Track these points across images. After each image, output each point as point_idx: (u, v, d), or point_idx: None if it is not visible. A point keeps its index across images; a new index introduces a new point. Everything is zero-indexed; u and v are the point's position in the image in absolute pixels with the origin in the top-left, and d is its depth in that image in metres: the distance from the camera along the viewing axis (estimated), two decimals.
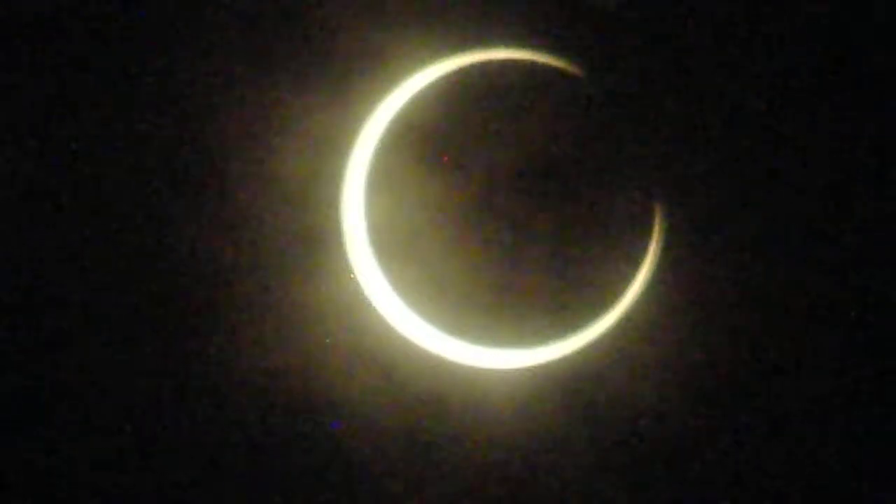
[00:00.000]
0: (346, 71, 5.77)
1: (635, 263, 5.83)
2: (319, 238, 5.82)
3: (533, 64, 5.79)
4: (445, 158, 5.75)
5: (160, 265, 5.75)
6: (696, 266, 5.82)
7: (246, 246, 5.76)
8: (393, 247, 5.82)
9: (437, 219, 5.78)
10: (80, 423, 5.74)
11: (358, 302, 5.85)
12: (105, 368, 5.75)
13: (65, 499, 5.74)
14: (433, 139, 5.79)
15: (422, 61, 5.77)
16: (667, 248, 5.82)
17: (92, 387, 5.74)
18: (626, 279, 5.85)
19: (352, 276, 5.80)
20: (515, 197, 5.78)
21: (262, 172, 5.76)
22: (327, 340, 5.74)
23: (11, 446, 5.71)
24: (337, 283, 5.83)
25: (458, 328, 5.84)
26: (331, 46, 5.77)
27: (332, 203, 5.81)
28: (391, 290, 5.83)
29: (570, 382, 5.83)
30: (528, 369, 5.84)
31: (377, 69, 5.76)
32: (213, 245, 5.77)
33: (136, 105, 5.77)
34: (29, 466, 5.73)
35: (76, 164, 5.77)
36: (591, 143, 5.80)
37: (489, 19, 5.78)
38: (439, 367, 5.85)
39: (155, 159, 5.77)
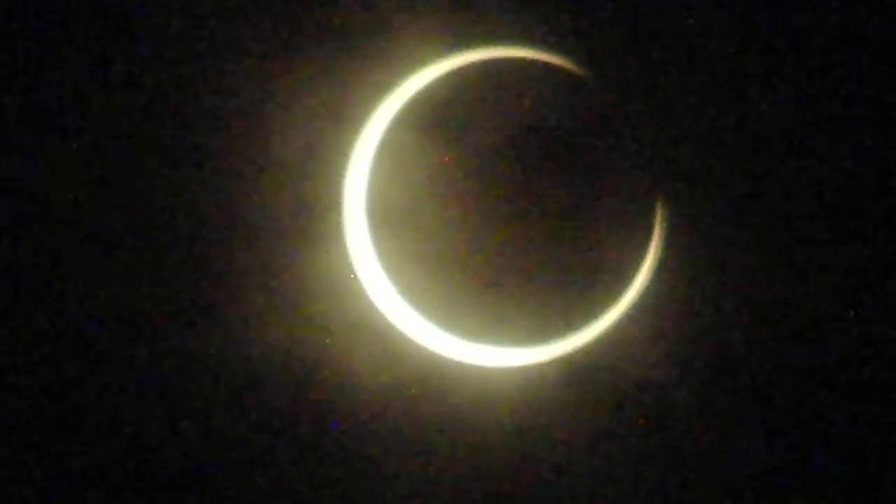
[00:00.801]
0: (350, 66, 5.75)
1: (637, 261, 5.83)
2: (322, 235, 5.81)
3: (537, 61, 5.77)
4: (446, 159, 5.74)
5: (159, 253, 5.76)
6: (699, 263, 5.82)
7: (247, 244, 5.76)
8: (395, 244, 5.82)
9: (438, 215, 5.77)
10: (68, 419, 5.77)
11: (359, 299, 5.84)
12: (96, 358, 5.78)
13: (58, 476, 5.77)
14: (436, 135, 5.78)
15: (423, 60, 5.76)
16: (668, 246, 5.81)
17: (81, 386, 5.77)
18: (628, 277, 5.84)
19: (352, 275, 5.80)
20: (517, 194, 5.78)
21: (264, 170, 5.76)
22: (327, 341, 5.75)
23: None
24: (338, 282, 5.82)
25: (458, 326, 5.84)
26: (336, 39, 5.76)
27: (335, 200, 5.80)
28: (392, 287, 5.83)
29: (571, 380, 5.83)
30: (529, 367, 5.84)
31: (379, 67, 5.75)
32: (214, 245, 5.77)
33: (136, 101, 5.78)
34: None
35: (78, 159, 5.78)
36: (593, 139, 5.79)
37: (494, 17, 5.76)
38: (440, 365, 5.85)
39: (151, 160, 5.79)
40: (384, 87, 5.76)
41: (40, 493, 5.74)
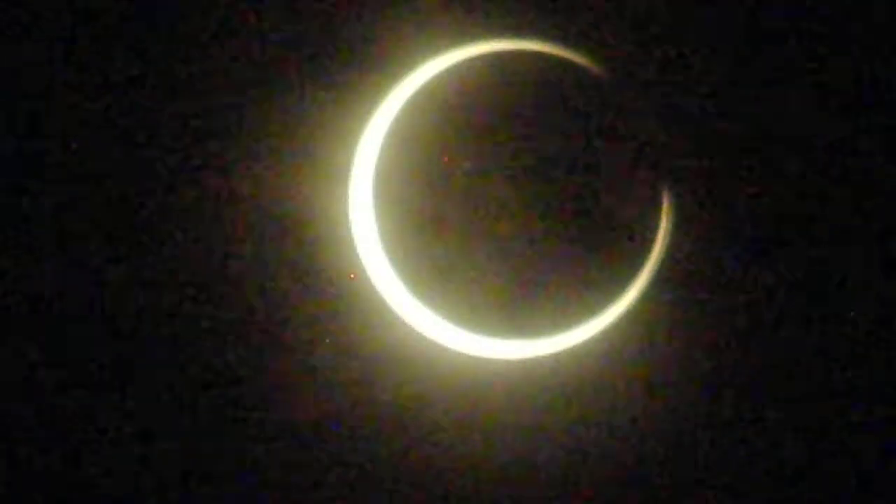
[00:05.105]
0: (350, 64, 5.73)
1: (642, 258, 5.82)
2: (327, 233, 5.81)
3: (539, 55, 5.74)
4: (446, 159, 5.72)
5: (162, 266, 5.77)
6: (702, 263, 5.80)
7: (252, 247, 5.76)
8: (401, 239, 5.81)
9: (443, 211, 5.77)
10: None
11: (366, 294, 5.85)
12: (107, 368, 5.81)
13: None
14: (439, 133, 5.76)
15: (426, 54, 5.73)
16: (673, 244, 5.80)
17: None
18: (632, 273, 5.83)
19: (352, 276, 5.80)
20: (523, 188, 5.76)
21: (267, 172, 5.75)
22: (327, 341, 5.76)
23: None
24: (345, 278, 5.83)
25: (464, 319, 5.85)
26: (335, 38, 5.74)
27: (340, 198, 5.80)
28: (399, 281, 5.84)
29: (574, 375, 5.83)
30: (533, 360, 5.85)
31: (380, 64, 5.72)
32: (217, 248, 5.77)
33: (138, 100, 5.77)
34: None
35: (80, 159, 5.78)
36: (598, 136, 5.77)
37: (494, 10, 5.73)
38: (446, 357, 5.86)
39: (154, 160, 5.78)
40: (389, 81, 5.74)
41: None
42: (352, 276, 5.79)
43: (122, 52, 5.73)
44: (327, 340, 5.76)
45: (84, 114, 5.74)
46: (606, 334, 5.82)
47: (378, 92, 5.73)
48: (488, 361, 5.86)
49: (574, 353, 5.82)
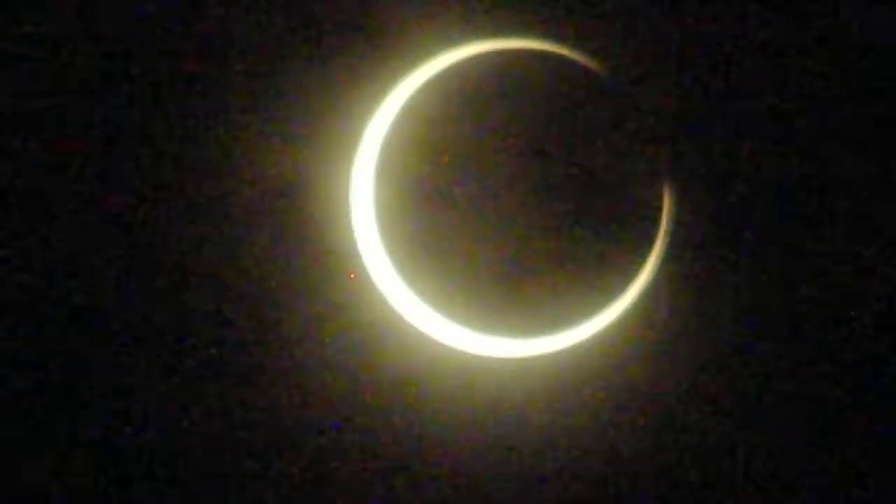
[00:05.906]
0: (353, 61, 5.73)
1: (642, 257, 5.81)
2: (328, 231, 5.81)
3: (541, 54, 5.74)
4: (447, 158, 5.72)
5: (162, 263, 5.77)
6: (703, 262, 5.80)
7: (253, 245, 5.76)
8: (402, 237, 5.81)
9: (444, 209, 5.77)
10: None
11: (368, 293, 5.85)
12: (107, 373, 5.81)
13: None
14: (440, 131, 5.76)
15: (426, 53, 5.73)
16: (674, 243, 5.79)
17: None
18: (633, 272, 5.83)
19: (352, 275, 5.80)
20: (523, 188, 5.76)
21: (268, 169, 5.75)
22: (327, 340, 5.76)
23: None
24: (346, 276, 5.83)
25: (464, 317, 5.85)
26: (338, 35, 5.73)
27: (342, 197, 5.79)
28: (400, 279, 5.84)
29: (574, 374, 5.83)
30: (534, 360, 5.85)
31: (383, 61, 5.72)
32: (216, 246, 5.77)
33: (138, 99, 5.76)
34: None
35: (84, 156, 5.78)
36: (599, 134, 5.77)
37: (496, 9, 5.73)
38: (447, 356, 5.87)
39: (153, 157, 5.78)
40: (389, 80, 5.73)
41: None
42: (352, 275, 5.79)
43: (122, 49, 5.73)
44: (327, 340, 5.76)
45: (83, 111, 5.74)
46: (606, 334, 5.82)
47: (379, 91, 5.73)
48: (489, 360, 5.86)
49: (574, 353, 5.82)
